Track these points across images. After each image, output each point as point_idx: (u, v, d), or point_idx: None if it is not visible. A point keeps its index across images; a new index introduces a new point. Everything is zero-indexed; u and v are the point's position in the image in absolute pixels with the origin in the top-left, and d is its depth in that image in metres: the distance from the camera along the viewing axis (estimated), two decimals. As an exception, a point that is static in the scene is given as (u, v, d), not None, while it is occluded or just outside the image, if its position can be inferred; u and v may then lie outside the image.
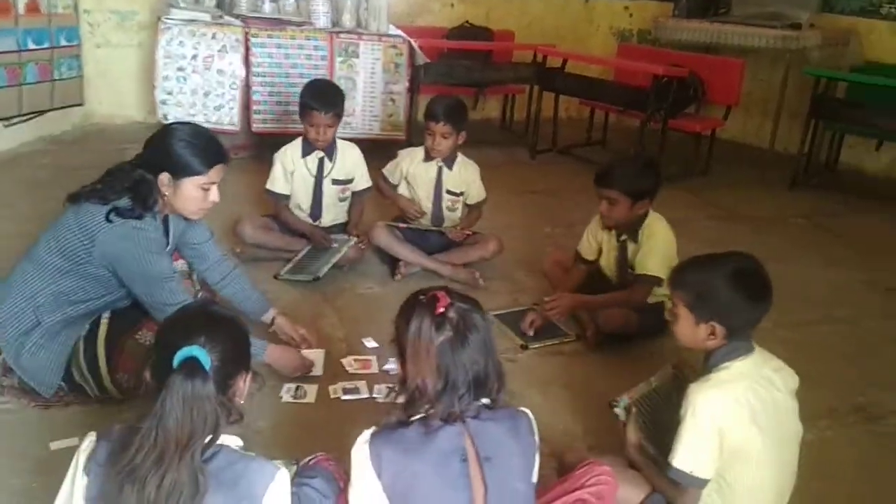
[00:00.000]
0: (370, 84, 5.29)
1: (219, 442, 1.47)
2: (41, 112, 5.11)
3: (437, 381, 1.53)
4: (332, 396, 2.60)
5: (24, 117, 5.00)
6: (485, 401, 1.61)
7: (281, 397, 2.57)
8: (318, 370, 2.74)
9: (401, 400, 1.61)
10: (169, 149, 2.29)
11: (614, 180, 2.96)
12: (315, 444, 2.04)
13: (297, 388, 2.61)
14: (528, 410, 1.70)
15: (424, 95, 5.60)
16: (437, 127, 3.53)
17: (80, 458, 1.48)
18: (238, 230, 3.59)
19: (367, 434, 1.56)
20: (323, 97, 3.48)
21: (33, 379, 2.34)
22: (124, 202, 2.27)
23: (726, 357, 1.93)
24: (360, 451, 1.54)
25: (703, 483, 1.91)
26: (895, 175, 6.07)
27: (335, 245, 3.56)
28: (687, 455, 1.89)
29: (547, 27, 7.04)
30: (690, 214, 4.79)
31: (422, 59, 5.42)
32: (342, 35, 5.18)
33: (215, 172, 2.34)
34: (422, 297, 1.59)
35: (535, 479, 1.68)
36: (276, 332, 2.77)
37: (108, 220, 2.24)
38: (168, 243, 2.49)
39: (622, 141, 6.34)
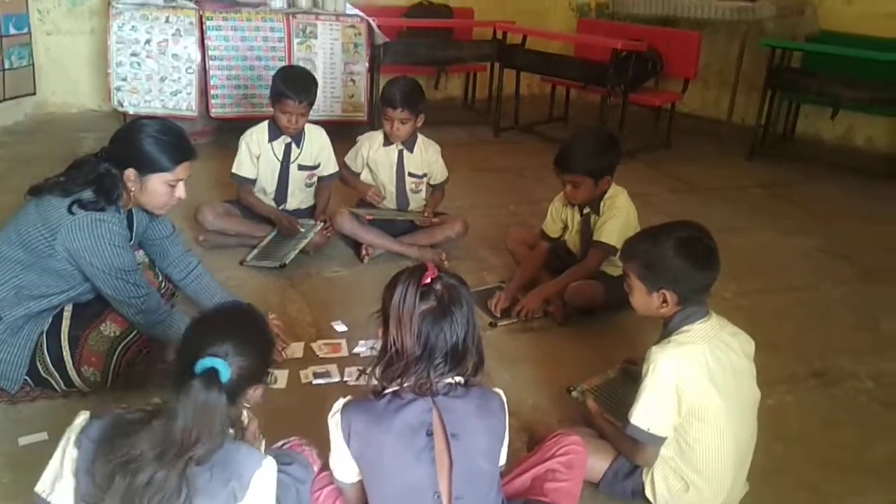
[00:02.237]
0: (329, 65, 5.24)
1: None
2: (-7, 102, 5.00)
3: (416, 346, 1.58)
4: (303, 381, 2.61)
5: (-24, 108, 4.88)
6: (458, 379, 1.65)
7: (251, 384, 2.56)
8: (298, 353, 2.77)
9: (377, 373, 1.64)
10: (136, 144, 2.28)
11: (574, 164, 2.97)
12: (288, 430, 2.03)
13: (268, 374, 2.59)
14: (500, 391, 1.74)
15: (385, 75, 5.57)
16: (394, 113, 3.50)
17: (72, 433, 1.50)
18: (199, 217, 3.55)
19: (340, 403, 1.66)
20: (298, 85, 3.43)
21: None
22: (87, 195, 2.25)
23: (684, 322, 1.99)
24: (333, 418, 1.64)
25: (659, 441, 1.98)
26: (850, 143, 6.20)
27: (301, 230, 3.55)
28: (645, 412, 1.96)
29: (506, 3, 7.00)
30: (652, 188, 4.85)
31: (381, 38, 5.38)
32: (299, 16, 5.11)
33: (182, 169, 2.34)
34: (417, 270, 1.64)
35: (502, 460, 1.73)
36: None
37: (70, 212, 2.21)
38: (132, 237, 2.47)
39: (584, 116, 6.38)
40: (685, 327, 1.99)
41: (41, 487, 1.52)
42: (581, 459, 1.92)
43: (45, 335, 2.32)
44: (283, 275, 3.36)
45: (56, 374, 2.32)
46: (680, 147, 5.94)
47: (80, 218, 2.22)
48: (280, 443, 1.95)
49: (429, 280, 1.60)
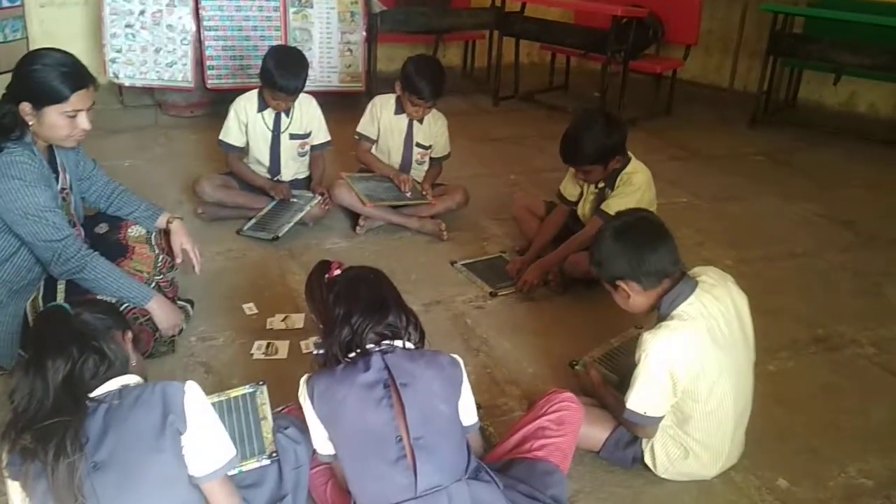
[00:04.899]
0: (326, 35, 5.18)
1: (118, 385, 1.54)
2: (-14, 75, 4.94)
3: (338, 310, 1.76)
4: (304, 351, 2.61)
5: (-31, 82, 4.82)
6: (408, 344, 1.77)
7: (252, 354, 2.58)
8: (299, 323, 2.76)
9: (324, 349, 1.79)
10: (29, 76, 2.17)
11: (578, 157, 2.94)
12: (288, 397, 2.04)
13: (269, 344, 2.62)
14: (455, 355, 1.81)
15: (383, 44, 5.51)
16: (424, 103, 3.49)
17: None
18: (197, 189, 3.53)
19: (305, 376, 1.76)
20: (293, 79, 3.36)
21: None
22: None
23: (674, 304, 1.96)
24: (301, 390, 1.74)
25: (657, 420, 1.99)
26: (853, 109, 6.14)
27: (298, 202, 3.53)
28: (640, 398, 1.96)
29: (504, -30, 6.92)
30: (652, 156, 4.77)
31: (378, 6, 5.31)
32: (295, -16, 5.05)
33: (79, 99, 2.20)
34: (321, 266, 1.92)
35: (469, 418, 1.81)
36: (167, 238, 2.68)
37: None
38: (58, 176, 2.39)
39: (584, 84, 6.33)
40: (675, 310, 1.95)
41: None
42: (574, 416, 1.92)
43: (41, 310, 2.28)
44: (283, 246, 3.35)
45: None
46: (681, 114, 5.89)
47: None
48: (279, 408, 1.99)
49: (335, 273, 1.85)
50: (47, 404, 1.44)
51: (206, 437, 1.54)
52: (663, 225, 2.03)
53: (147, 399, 1.50)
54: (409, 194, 3.57)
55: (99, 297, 2.27)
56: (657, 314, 2.01)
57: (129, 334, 1.70)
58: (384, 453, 1.63)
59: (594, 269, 2.09)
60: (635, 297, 2.01)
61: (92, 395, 1.50)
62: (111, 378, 1.55)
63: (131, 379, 1.59)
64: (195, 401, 1.54)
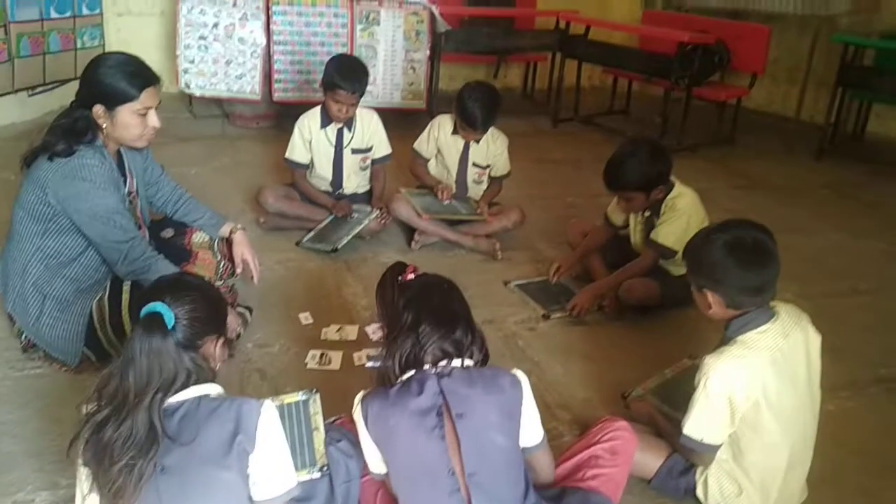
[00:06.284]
0: (391, 52, 5.27)
1: (198, 394, 1.54)
2: (64, 81, 5.14)
3: (406, 317, 1.72)
4: (356, 364, 2.64)
5: (49, 87, 5.03)
6: (467, 362, 1.71)
7: (306, 364, 2.62)
8: (352, 336, 2.80)
9: (383, 360, 1.75)
10: (98, 79, 2.26)
11: (622, 183, 2.92)
12: (341, 410, 2.07)
13: (322, 355, 2.66)
14: (518, 372, 1.74)
15: (446, 64, 5.58)
16: (475, 133, 3.57)
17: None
18: (260, 199, 3.62)
19: (360, 394, 1.73)
20: (352, 77, 3.44)
21: (56, 350, 2.39)
22: (62, 145, 2.26)
23: (742, 328, 1.91)
24: (356, 409, 1.72)
25: (714, 448, 1.94)
26: (924, 144, 5.96)
27: (357, 216, 3.59)
28: (697, 424, 1.92)
29: (570, -7, 6.94)
30: (713, 184, 4.75)
31: (443, 26, 5.38)
32: (363, 2, 5.15)
33: (148, 96, 2.29)
34: (396, 267, 1.88)
35: (530, 440, 1.73)
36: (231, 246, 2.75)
37: (50, 161, 2.24)
38: (126, 179, 2.46)
39: (645, 110, 6.28)
40: (742, 336, 1.90)
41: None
42: (628, 446, 1.90)
43: (107, 310, 2.36)
44: (339, 258, 3.41)
45: (119, 346, 2.37)
46: (744, 143, 5.80)
47: (61, 165, 2.23)
48: (331, 419, 2.01)
49: (411, 276, 1.82)
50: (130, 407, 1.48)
51: (271, 463, 1.54)
52: (774, 252, 1.93)
53: (222, 414, 1.51)
54: (461, 209, 3.62)
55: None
56: (723, 335, 1.97)
57: (222, 339, 1.71)
58: (437, 484, 1.61)
59: (685, 264, 2.02)
60: (716, 309, 1.95)
61: (171, 399, 1.52)
62: (194, 385, 1.56)
63: (213, 389, 1.59)
64: (268, 424, 1.53)
